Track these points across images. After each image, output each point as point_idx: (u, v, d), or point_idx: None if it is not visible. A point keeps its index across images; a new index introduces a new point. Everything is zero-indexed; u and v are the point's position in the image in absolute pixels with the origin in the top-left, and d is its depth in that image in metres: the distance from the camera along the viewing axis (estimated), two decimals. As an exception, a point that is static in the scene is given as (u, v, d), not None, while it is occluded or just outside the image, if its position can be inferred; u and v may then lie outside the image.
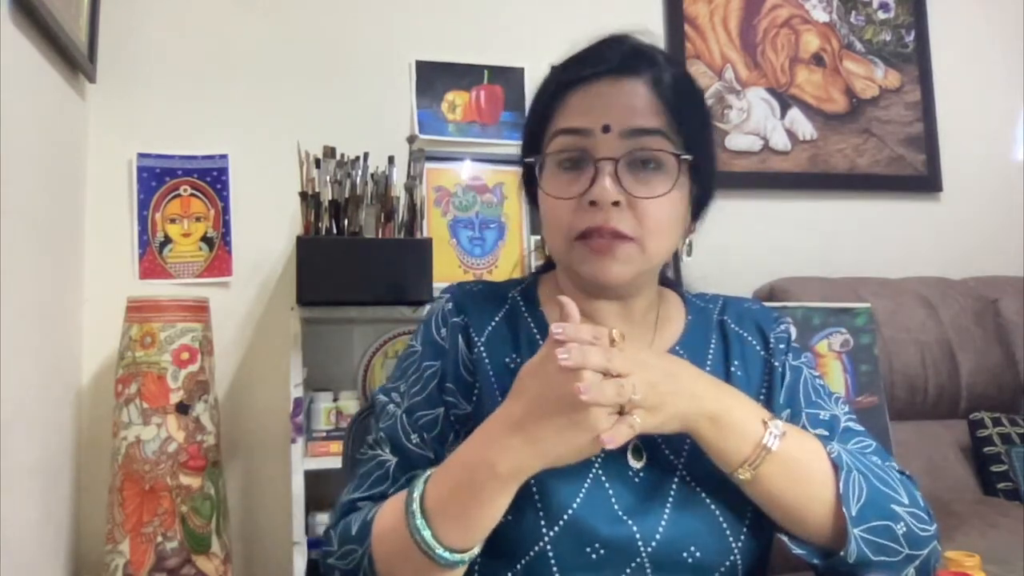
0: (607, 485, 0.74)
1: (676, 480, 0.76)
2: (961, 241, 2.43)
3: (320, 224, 1.77)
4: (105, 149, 1.91)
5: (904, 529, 0.71)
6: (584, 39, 0.82)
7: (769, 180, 2.34)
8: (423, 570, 0.68)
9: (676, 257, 0.88)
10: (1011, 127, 2.58)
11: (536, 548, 0.72)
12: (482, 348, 0.81)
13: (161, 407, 1.63)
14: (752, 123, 2.35)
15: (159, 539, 1.59)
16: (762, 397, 0.82)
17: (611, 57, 0.78)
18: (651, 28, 0.84)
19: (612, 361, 0.65)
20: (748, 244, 2.19)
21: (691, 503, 0.75)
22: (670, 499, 0.75)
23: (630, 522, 0.73)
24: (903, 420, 1.97)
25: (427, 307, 0.87)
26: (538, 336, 0.82)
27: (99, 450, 1.74)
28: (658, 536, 0.73)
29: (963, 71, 2.53)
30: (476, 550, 0.69)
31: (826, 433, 0.79)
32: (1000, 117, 2.57)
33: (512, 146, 2.14)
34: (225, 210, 1.97)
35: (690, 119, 0.78)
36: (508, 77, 2.18)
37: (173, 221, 1.95)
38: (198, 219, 1.96)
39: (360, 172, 1.80)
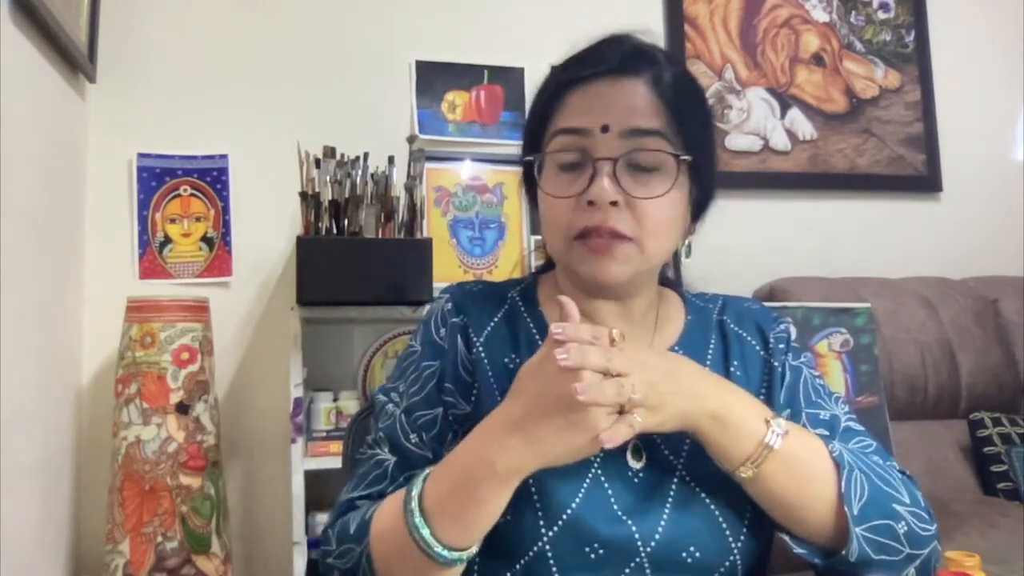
0: (606, 485, 0.74)
1: (675, 480, 0.76)
2: (961, 241, 2.43)
3: (320, 224, 1.77)
4: (105, 149, 1.91)
5: (905, 528, 0.71)
6: (584, 39, 0.82)
7: (769, 180, 2.34)
8: (421, 569, 0.68)
9: (676, 257, 0.88)
10: (1011, 127, 2.58)
11: (535, 548, 0.72)
12: (481, 348, 0.81)
13: (161, 407, 1.63)
14: (752, 123, 2.35)
15: (159, 539, 1.59)
16: (762, 397, 0.82)
17: (611, 57, 0.78)
18: (651, 28, 0.83)
19: (612, 361, 0.65)
20: (748, 244, 2.19)
21: (690, 503, 0.75)
22: (669, 499, 0.75)
23: (629, 522, 0.73)
24: (903, 420, 1.97)
25: (427, 307, 0.87)
26: (537, 336, 0.82)
27: (99, 450, 1.74)
28: (657, 536, 0.73)
29: (963, 71, 2.53)
30: (474, 549, 0.69)
31: (826, 433, 0.79)
32: (1000, 117, 2.57)
33: (512, 146, 2.14)
34: (225, 210, 1.97)
35: (690, 119, 0.77)
36: (508, 77, 2.18)
37: (173, 221, 1.95)
38: (198, 219, 1.96)
39: (360, 172, 1.80)
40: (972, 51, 2.55)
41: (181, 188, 1.95)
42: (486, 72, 2.17)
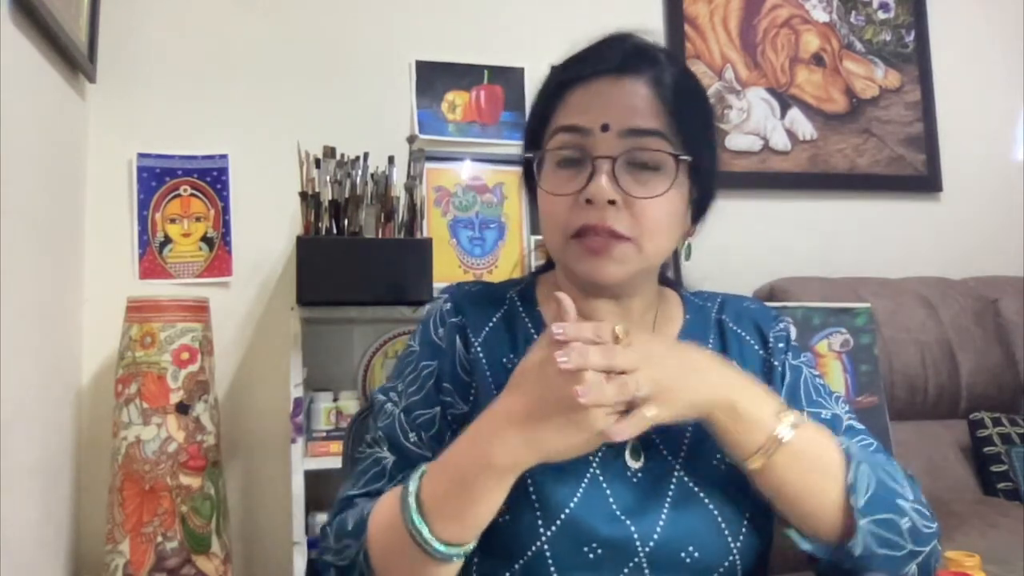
0: (604, 485, 0.74)
1: (674, 480, 0.76)
2: (961, 241, 2.43)
3: (320, 224, 1.77)
4: (105, 149, 1.91)
5: (909, 524, 0.71)
6: (584, 39, 0.82)
7: (769, 180, 2.34)
8: (419, 564, 0.68)
9: (676, 256, 0.88)
10: (1011, 127, 2.58)
11: (534, 548, 0.72)
12: (479, 348, 0.81)
13: (161, 407, 1.63)
14: (752, 123, 2.35)
15: (159, 539, 1.59)
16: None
17: (612, 56, 0.78)
18: (651, 28, 0.83)
19: (616, 359, 0.65)
20: (748, 244, 2.19)
21: (689, 503, 0.75)
22: (668, 499, 0.75)
23: (628, 522, 0.73)
24: (903, 420, 1.97)
25: (427, 307, 0.87)
26: (535, 336, 0.82)
27: (99, 450, 1.74)
28: (656, 536, 0.73)
29: (963, 71, 2.53)
30: (471, 545, 0.68)
31: None
32: (1000, 117, 2.57)
33: (512, 146, 2.14)
34: (225, 210, 1.97)
35: (690, 120, 0.77)
36: (508, 77, 2.18)
37: (173, 221, 1.95)
38: (198, 219, 1.96)
39: (360, 172, 1.80)
40: (972, 51, 2.55)
41: (181, 188, 1.95)
42: (486, 72, 2.17)
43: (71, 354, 1.79)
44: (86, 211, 1.88)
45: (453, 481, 0.67)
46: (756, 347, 0.85)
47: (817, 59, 2.43)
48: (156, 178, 1.94)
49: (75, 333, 1.82)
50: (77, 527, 1.77)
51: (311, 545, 1.64)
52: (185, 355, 1.67)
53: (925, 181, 2.46)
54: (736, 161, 2.32)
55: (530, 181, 0.83)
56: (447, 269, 2.00)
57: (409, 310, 1.82)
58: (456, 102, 2.15)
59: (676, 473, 0.76)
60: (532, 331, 0.83)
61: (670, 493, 0.75)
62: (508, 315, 0.84)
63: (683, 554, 0.73)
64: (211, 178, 1.97)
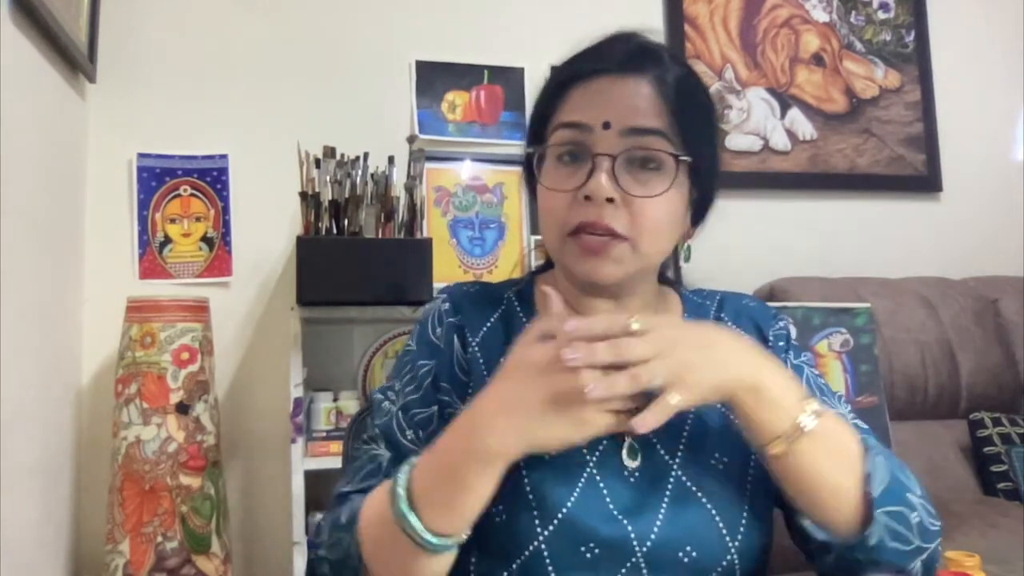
0: (601, 485, 0.74)
1: (672, 480, 0.76)
2: (961, 241, 2.43)
3: (320, 224, 1.77)
4: (105, 149, 1.91)
5: (918, 519, 0.71)
6: (584, 39, 0.82)
7: (769, 180, 2.34)
8: (409, 556, 0.67)
9: (676, 256, 0.88)
10: (1011, 127, 2.58)
11: (531, 547, 0.72)
12: (477, 348, 0.81)
13: (161, 407, 1.63)
14: (752, 123, 2.35)
15: (159, 539, 1.59)
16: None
17: (616, 54, 0.78)
18: (651, 28, 0.83)
19: (630, 351, 0.64)
20: (748, 244, 2.19)
21: (687, 503, 0.74)
22: (666, 499, 0.74)
23: (625, 521, 0.73)
24: (903, 420, 1.97)
25: (425, 307, 0.87)
26: None
27: (99, 450, 1.74)
28: (653, 536, 0.72)
29: (963, 71, 2.53)
30: (462, 537, 0.67)
31: None
32: (1000, 117, 2.57)
33: (512, 146, 2.15)
34: (225, 210, 1.97)
35: (692, 120, 0.77)
36: (508, 77, 2.18)
37: (173, 221, 1.95)
38: (198, 219, 1.96)
39: (360, 172, 1.80)
40: (972, 51, 2.55)
41: (181, 188, 1.95)
42: (486, 72, 2.17)
43: (71, 354, 1.79)
44: (86, 211, 1.88)
45: (442, 470, 0.67)
46: (756, 346, 0.85)
47: (817, 59, 2.43)
48: (156, 178, 1.94)
49: (75, 333, 1.82)
50: (77, 527, 1.77)
51: (311, 545, 1.64)
52: (185, 355, 1.67)
53: (925, 181, 2.46)
54: (736, 161, 2.32)
55: (531, 178, 0.83)
56: (447, 269, 2.00)
57: (409, 310, 1.82)
58: (456, 102, 2.15)
59: (674, 472, 0.76)
60: None
61: (667, 492, 0.75)
62: (506, 315, 0.84)
63: (681, 554, 0.72)
64: (211, 178, 1.97)
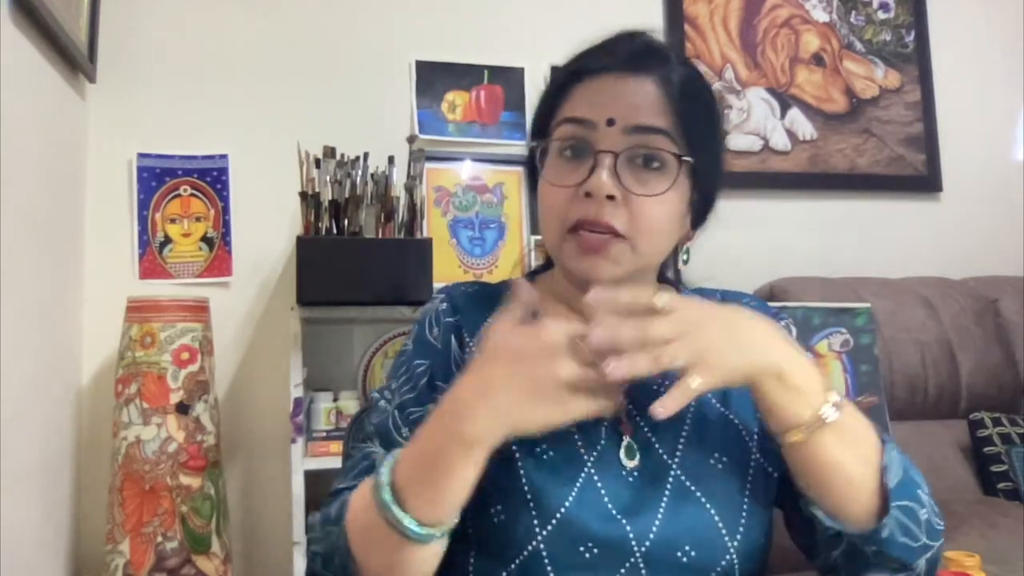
0: (599, 484, 0.74)
1: (671, 480, 0.75)
2: (961, 241, 2.43)
3: (320, 224, 1.77)
4: (105, 149, 1.91)
5: (926, 516, 0.71)
6: (584, 39, 0.82)
7: (769, 180, 2.34)
8: (394, 546, 0.66)
9: (676, 256, 0.88)
10: (1011, 127, 2.58)
11: (530, 547, 0.72)
12: (474, 348, 0.81)
13: (161, 407, 1.63)
14: (752, 123, 2.35)
15: (159, 539, 1.59)
16: (762, 396, 0.82)
17: (623, 52, 0.78)
18: (651, 28, 0.83)
19: (650, 331, 0.64)
20: (748, 244, 2.19)
21: (686, 503, 0.74)
22: (664, 498, 0.74)
23: (624, 521, 0.72)
24: (903, 420, 1.97)
25: (424, 306, 0.87)
26: None
27: (99, 450, 1.74)
28: (652, 536, 0.72)
29: (963, 71, 2.53)
30: (447, 527, 0.66)
31: None
32: (1000, 117, 2.57)
33: (512, 146, 2.15)
34: (225, 210, 1.97)
35: (697, 122, 0.77)
36: (508, 77, 2.18)
37: (173, 221, 1.95)
38: (198, 219, 1.96)
39: (360, 172, 1.81)
40: (972, 51, 2.55)
41: (181, 188, 1.96)
42: (486, 72, 2.17)
43: (71, 354, 1.79)
44: (86, 211, 1.88)
45: (425, 459, 0.66)
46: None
47: (817, 59, 2.43)
48: (156, 178, 1.94)
49: (75, 333, 1.82)
50: (77, 527, 1.77)
51: (310, 544, 1.64)
52: (185, 355, 1.67)
53: (925, 181, 2.46)
54: (736, 161, 2.32)
55: (533, 173, 0.83)
56: (447, 269, 2.00)
57: (409, 310, 1.82)
58: (456, 102, 2.15)
59: (673, 472, 0.76)
60: None
61: (666, 492, 0.75)
62: None
63: (679, 553, 0.72)
64: (211, 178, 1.97)
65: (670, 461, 0.77)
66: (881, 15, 2.49)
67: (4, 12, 1.36)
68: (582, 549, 0.72)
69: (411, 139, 1.91)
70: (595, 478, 0.74)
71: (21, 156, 1.43)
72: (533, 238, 2.11)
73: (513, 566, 0.73)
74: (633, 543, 0.72)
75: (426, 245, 1.82)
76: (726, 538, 0.74)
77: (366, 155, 1.82)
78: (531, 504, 0.72)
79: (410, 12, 2.14)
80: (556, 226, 0.77)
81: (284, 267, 1.98)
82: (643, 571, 0.72)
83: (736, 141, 2.33)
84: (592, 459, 0.75)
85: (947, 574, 0.79)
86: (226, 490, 1.74)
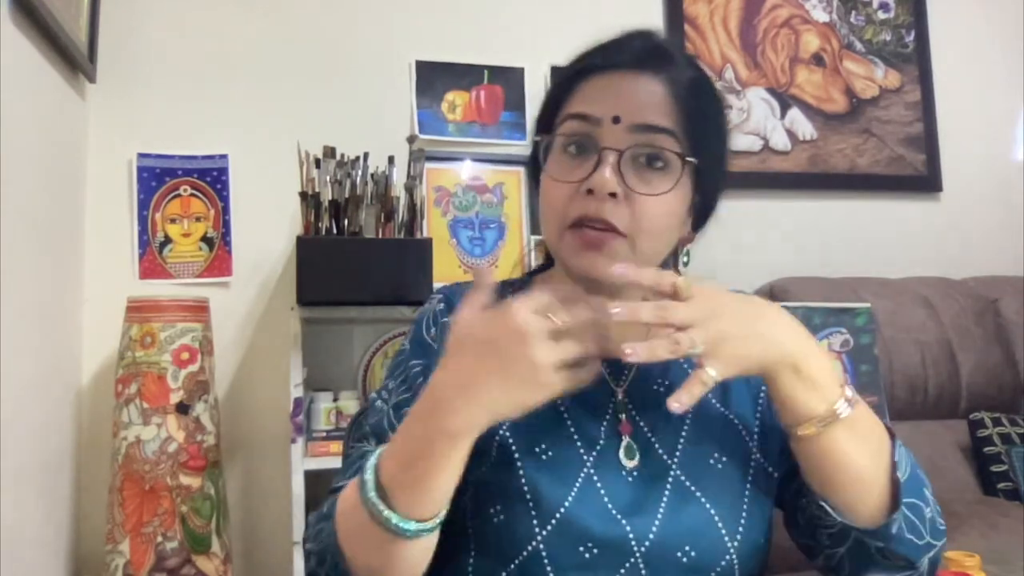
0: (599, 484, 0.74)
1: (670, 479, 0.75)
2: (961, 241, 2.43)
3: (320, 224, 1.77)
4: (105, 149, 1.91)
5: (931, 515, 0.71)
6: (583, 39, 0.82)
7: (769, 180, 2.34)
8: (382, 543, 0.65)
9: (677, 257, 0.88)
10: (1011, 127, 2.58)
11: (529, 547, 0.72)
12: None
13: (161, 407, 1.63)
14: (752, 123, 2.35)
15: (159, 539, 1.59)
16: (762, 396, 0.82)
17: (632, 50, 0.78)
18: (658, 29, 0.83)
19: (673, 314, 0.64)
20: (748, 244, 2.19)
21: (686, 503, 0.74)
22: (664, 498, 0.74)
23: (623, 521, 0.72)
24: (903, 420, 1.97)
25: (423, 306, 0.87)
26: None
27: (99, 450, 1.74)
28: (652, 536, 0.72)
29: (963, 71, 2.53)
30: (436, 521, 0.66)
31: None
32: (1000, 117, 2.57)
33: (512, 146, 2.15)
34: (225, 210, 1.97)
35: (702, 123, 0.77)
36: (508, 77, 2.18)
37: (173, 221, 1.95)
38: (198, 219, 1.96)
39: (360, 172, 1.81)
40: (972, 51, 2.55)
41: (181, 188, 1.95)
42: (486, 72, 2.17)
43: (71, 354, 1.79)
44: (86, 211, 1.88)
45: (409, 454, 0.65)
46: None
47: (817, 59, 2.43)
48: (156, 178, 1.94)
49: (75, 333, 1.82)
50: (77, 527, 1.77)
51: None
52: (185, 355, 1.67)
53: (925, 181, 2.46)
54: (736, 161, 2.32)
55: (536, 168, 0.83)
56: (447, 269, 2.00)
57: (409, 310, 1.82)
58: (456, 102, 2.15)
59: (672, 472, 0.76)
60: None
61: (666, 492, 0.75)
62: None
63: (679, 553, 0.72)
64: (211, 178, 1.97)
65: (670, 461, 0.77)
66: (881, 15, 2.49)
67: (4, 12, 1.36)
68: (581, 549, 0.72)
69: (411, 139, 1.91)
70: (594, 478, 0.74)
71: (21, 156, 1.43)
72: (533, 238, 2.11)
73: (512, 566, 0.73)
74: (633, 543, 0.72)
75: (426, 245, 1.82)
76: (726, 538, 0.74)
77: (366, 155, 1.82)
78: (530, 504, 0.72)
79: (410, 12, 2.14)
80: (557, 221, 0.77)
81: (284, 267, 1.98)
82: (643, 571, 0.72)
83: (736, 141, 2.33)
84: (592, 459, 0.75)
85: (947, 574, 0.79)
86: (226, 490, 1.74)
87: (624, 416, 0.78)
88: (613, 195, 0.73)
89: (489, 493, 0.74)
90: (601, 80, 0.77)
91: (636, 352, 0.62)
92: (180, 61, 1.98)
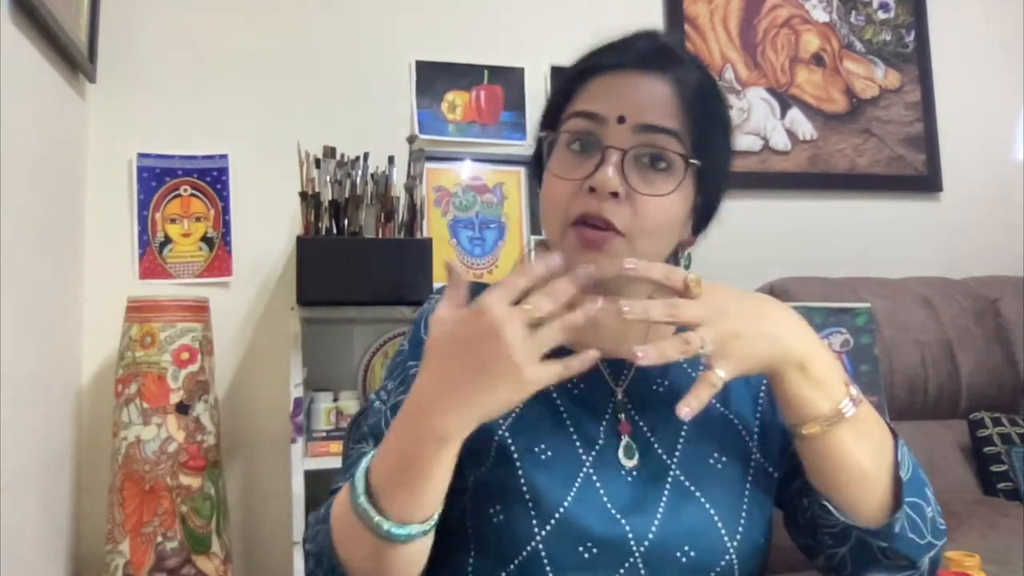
0: (598, 484, 0.74)
1: (670, 479, 0.75)
2: (961, 241, 2.43)
3: (320, 224, 1.77)
4: (105, 149, 1.91)
5: (932, 515, 0.71)
6: (583, 40, 0.81)
7: (769, 180, 2.34)
8: (375, 548, 0.65)
9: (677, 260, 0.88)
10: (1011, 127, 2.58)
11: (529, 547, 0.72)
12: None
13: (161, 407, 1.63)
14: (752, 123, 2.35)
15: (159, 539, 1.59)
16: (761, 395, 0.82)
17: (639, 50, 0.77)
18: (651, 28, 0.83)
19: (683, 312, 0.64)
20: (748, 244, 2.18)
21: (685, 502, 0.74)
22: (663, 498, 0.74)
23: (623, 521, 0.72)
24: (903, 420, 1.97)
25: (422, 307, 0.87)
26: None
27: (99, 450, 1.74)
28: (651, 535, 0.72)
29: (963, 71, 2.53)
30: (429, 524, 0.65)
31: None
32: (1000, 117, 2.57)
33: (512, 146, 2.15)
34: (225, 210, 1.97)
35: (706, 126, 0.77)
36: (508, 77, 2.18)
37: (173, 221, 1.95)
38: (198, 219, 1.96)
39: (360, 172, 1.81)
40: (972, 51, 2.55)
41: (181, 188, 1.95)
42: (486, 72, 2.17)
43: (71, 354, 1.79)
44: (86, 211, 1.88)
45: (398, 458, 0.65)
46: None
47: (817, 59, 2.43)
48: (156, 178, 1.94)
49: (75, 333, 1.82)
50: (77, 527, 1.77)
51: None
52: (185, 355, 1.67)
53: (925, 181, 2.46)
54: (736, 161, 2.30)
55: (539, 165, 0.82)
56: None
57: (409, 310, 1.82)
58: (456, 102, 2.15)
59: (672, 472, 0.76)
60: None
61: (666, 492, 0.75)
62: None
63: (679, 553, 0.72)
64: (211, 178, 1.97)
65: (669, 461, 0.77)
66: (881, 15, 2.49)
67: (4, 12, 1.36)
68: (581, 549, 0.72)
69: (411, 139, 1.91)
70: (594, 478, 0.74)
71: (21, 156, 1.43)
72: (533, 238, 2.11)
73: (512, 566, 0.73)
74: (632, 543, 0.72)
75: (426, 245, 1.82)
76: (725, 538, 0.74)
77: (366, 155, 1.82)
78: (530, 504, 0.72)
79: (410, 12, 2.14)
80: (558, 218, 0.77)
81: (284, 267, 1.98)
82: (642, 571, 0.72)
83: (736, 141, 2.33)
84: (591, 459, 0.75)
85: (947, 574, 0.79)
86: (226, 490, 1.74)
87: (623, 416, 0.78)
88: (615, 194, 0.73)
89: (488, 493, 0.74)
90: (607, 79, 0.77)
91: (647, 355, 0.62)
92: (180, 61, 1.98)
